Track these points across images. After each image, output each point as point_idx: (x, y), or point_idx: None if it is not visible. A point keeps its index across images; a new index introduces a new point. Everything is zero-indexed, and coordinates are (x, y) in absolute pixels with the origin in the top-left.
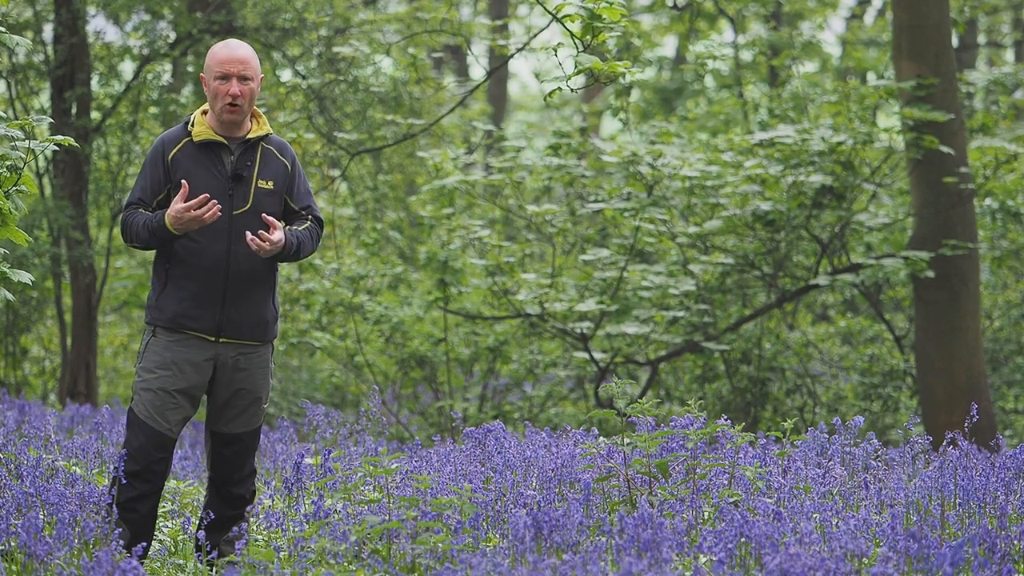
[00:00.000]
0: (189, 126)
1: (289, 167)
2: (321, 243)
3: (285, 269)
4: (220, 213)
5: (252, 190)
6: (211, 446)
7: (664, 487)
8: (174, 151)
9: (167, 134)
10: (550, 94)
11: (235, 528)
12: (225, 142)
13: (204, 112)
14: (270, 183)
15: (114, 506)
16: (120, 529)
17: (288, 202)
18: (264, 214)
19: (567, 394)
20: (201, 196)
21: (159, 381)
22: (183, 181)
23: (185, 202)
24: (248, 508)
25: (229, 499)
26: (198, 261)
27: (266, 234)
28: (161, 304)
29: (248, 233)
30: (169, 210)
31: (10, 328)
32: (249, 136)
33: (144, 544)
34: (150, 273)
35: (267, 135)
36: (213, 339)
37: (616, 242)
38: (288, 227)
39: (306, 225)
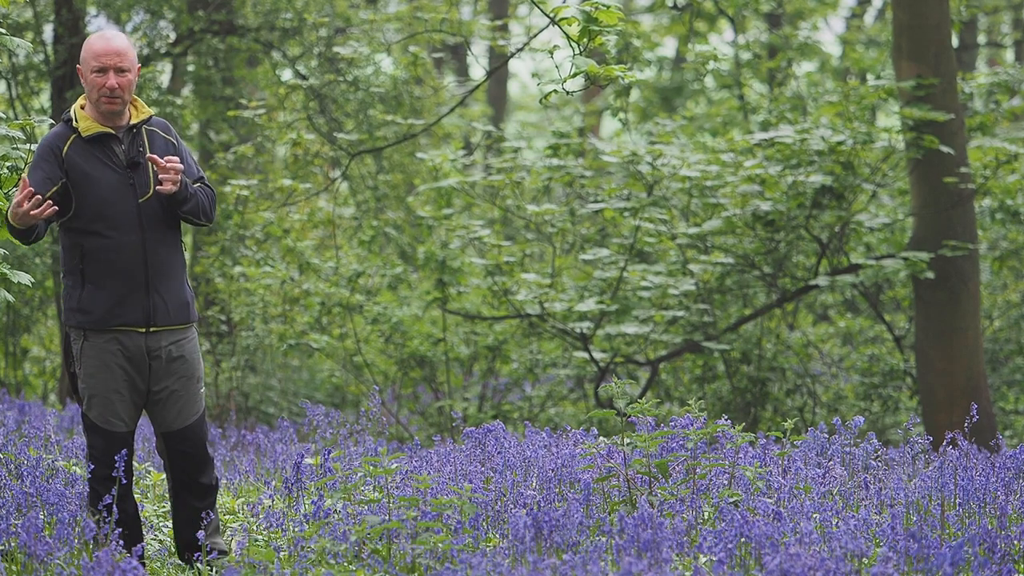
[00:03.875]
0: (73, 123)
1: (175, 144)
2: (322, 245)
3: (282, 272)
4: (56, 208)
5: (150, 175)
6: (167, 448)
7: (664, 487)
8: (65, 148)
9: (53, 132)
10: (546, 96)
11: (207, 515)
12: (114, 132)
13: (83, 106)
14: None
15: (115, 506)
16: (120, 529)
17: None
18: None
19: (567, 394)
20: (27, 190)
21: (102, 383)
22: (24, 178)
23: (20, 196)
24: (216, 496)
25: (199, 491)
26: (115, 256)
27: (163, 164)
28: (84, 306)
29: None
30: (12, 211)
31: (10, 328)
32: (133, 122)
33: (143, 544)
34: None
35: (149, 118)
36: (143, 330)
37: (616, 242)
38: None
39: (197, 185)
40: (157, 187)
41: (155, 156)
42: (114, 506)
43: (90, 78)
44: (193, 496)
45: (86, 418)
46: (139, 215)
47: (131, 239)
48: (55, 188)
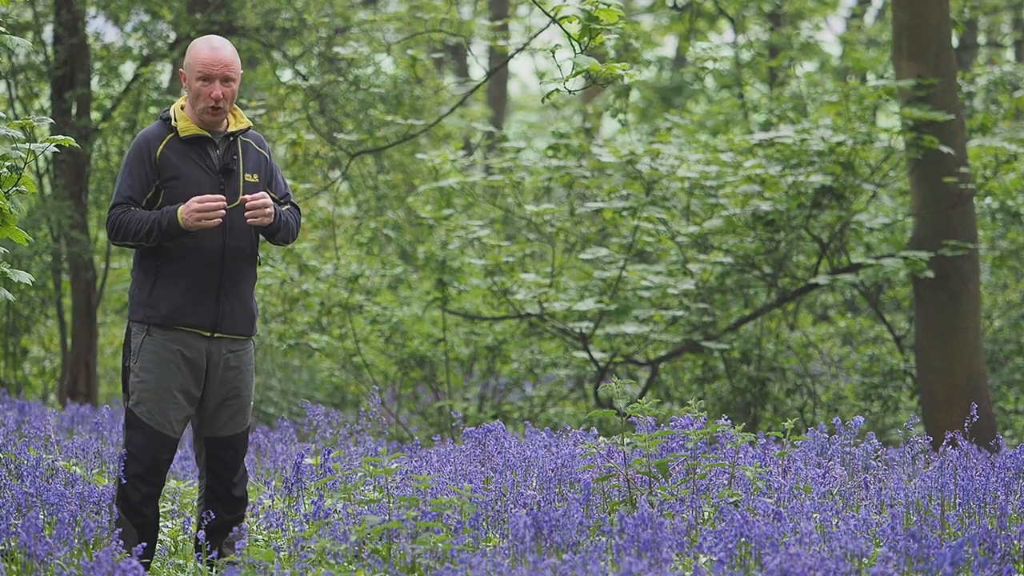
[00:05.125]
0: (172, 121)
1: (268, 159)
2: (316, 242)
3: (282, 272)
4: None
5: (241, 183)
6: (207, 453)
7: (664, 487)
8: (160, 147)
9: (149, 131)
10: (548, 95)
11: (235, 529)
12: (210, 136)
13: (182, 106)
14: (255, 176)
15: (115, 506)
16: (120, 529)
17: (269, 194)
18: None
19: (567, 394)
20: (217, 196)
21: (158, 381)
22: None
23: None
24: (245, 510)
25: (229, 502)
26: (194, 256)
27: (257, 200)
28: (154, 301)
29: (244, 200)
30: (183, 208)
31: (10, 328)
32: (231, 130)
33: (145, 544)
34: None
35: (247, 129)
36: (208, 334)
37: (616, 242)
38: None
39: (287, 207)
40: (249, 220)
41: (246, 196)
42: (113, 506)
43: (195, 85)
44: (222, 505)
45: (131, 414)
46: (224, 220)
47: (212, 243)
48: (150, 194)
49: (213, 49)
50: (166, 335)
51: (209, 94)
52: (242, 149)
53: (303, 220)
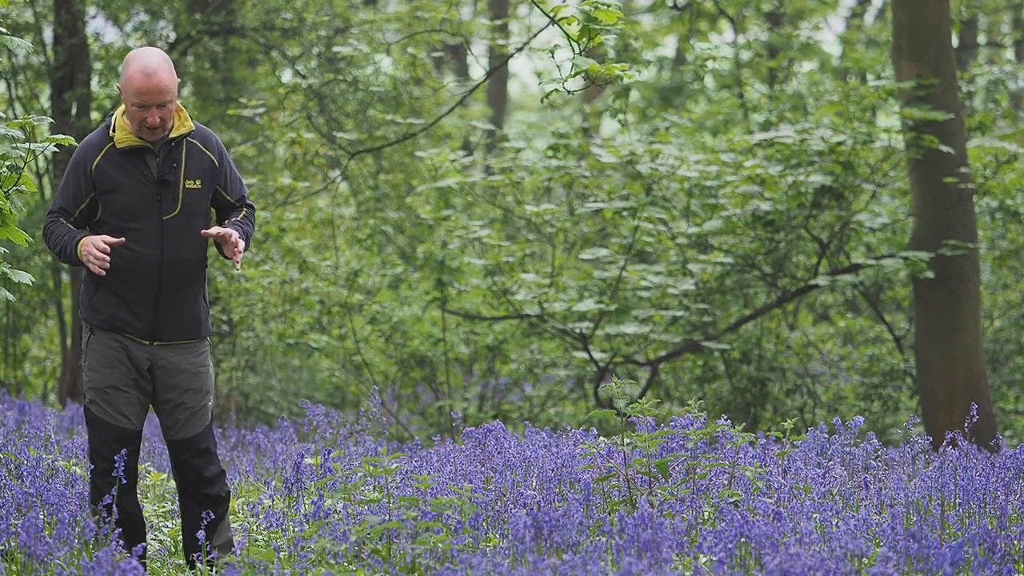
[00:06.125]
0: (111, 131)
1: (216, 160)
2: (323, 244)
3: (281, 271)
4: (105, 269)
5: (180, 192)
6: (172, 456)
7: (664, 487)
8: (97, 159)
9: (89, 140)
10: (547, 96)
11: (231, 531)
12: (149, 146)
13: (124, 113)
14: (198, 182)
15: (115, 506)
16: (120, 529)
17: (223, 195)
18: (202, 231)
19: (567, 394)
20: (114, 242)
21: (106, 378)
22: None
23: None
24: (226, 507)
25: (205, 502)
26: (131, 267)
27: (229, 240)
28: (96, 305)
29: (219, 232)
30: (85, 243)
31: (10, 328)
32: (172, 136)
33: (143, 544)
34: None
35: (190, 131)
36: (148, 343)
37: (616, 242)
38: (228, 220)
39: (243, 213)
40: (231, 259)
41: (210, 232)
42: (114, 505)
43: (131, 109)
44: (198, 505)
45: (88, 412)
46: (161, 231)
47: (150, 253)
48: (83, 205)
49: (147, 76)
50: (108, 335)
51: (144, 119)
52: (186, 152)
53: (302, 220)
